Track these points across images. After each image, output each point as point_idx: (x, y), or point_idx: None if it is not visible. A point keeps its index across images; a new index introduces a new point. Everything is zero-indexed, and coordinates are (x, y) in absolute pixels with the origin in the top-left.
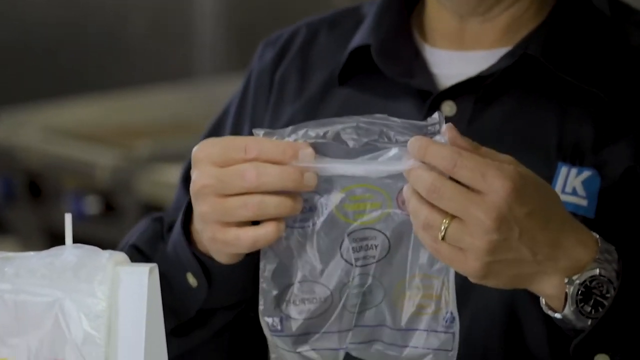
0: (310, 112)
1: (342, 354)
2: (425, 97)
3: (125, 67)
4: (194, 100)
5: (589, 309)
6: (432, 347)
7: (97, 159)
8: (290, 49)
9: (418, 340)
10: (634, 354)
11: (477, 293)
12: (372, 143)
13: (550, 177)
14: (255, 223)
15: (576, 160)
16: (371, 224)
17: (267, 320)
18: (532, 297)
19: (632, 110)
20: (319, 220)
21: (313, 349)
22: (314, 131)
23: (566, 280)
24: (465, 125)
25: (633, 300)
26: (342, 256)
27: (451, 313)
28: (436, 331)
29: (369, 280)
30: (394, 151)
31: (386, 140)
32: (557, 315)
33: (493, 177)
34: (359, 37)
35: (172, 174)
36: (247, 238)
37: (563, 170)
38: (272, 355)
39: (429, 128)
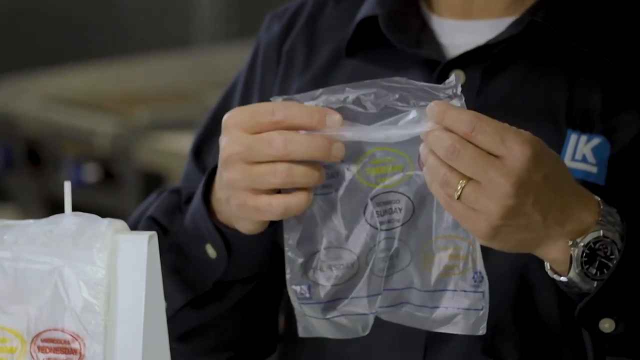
0: (318, 84)
1: (372, 318)
2: (433, 67)
3: (124, 35)
4: (193, 68)
5: (594, 270)
6: (462, 306)
7: (96, 126)
8: (298, 21)
9: (448, 301)
10: (638, 319)
11: (489, 262)
12: (391, 106)
13: (559, 145)
14: (278, 192)
15: (585, 127)
16: (394, 187)
17: (294, 289)
18: (543, 264)
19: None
20: (342, 186)
21: (342, 315)
22: (334, 96)
23: (570, 243)
24: (474, 94)
25: (638, 264)
26: (366, 221)
27: (479, 272)
28: (465, 291)
29: (395, 244)
30: (412, 114)
31: (405, 104)
32: (563, 279)
33: (512, 141)
34: (366, 8)
35: (171, 142)
36: (280, 205)
37: (573, 137)
38: (300, 325)
39: (447, 91)
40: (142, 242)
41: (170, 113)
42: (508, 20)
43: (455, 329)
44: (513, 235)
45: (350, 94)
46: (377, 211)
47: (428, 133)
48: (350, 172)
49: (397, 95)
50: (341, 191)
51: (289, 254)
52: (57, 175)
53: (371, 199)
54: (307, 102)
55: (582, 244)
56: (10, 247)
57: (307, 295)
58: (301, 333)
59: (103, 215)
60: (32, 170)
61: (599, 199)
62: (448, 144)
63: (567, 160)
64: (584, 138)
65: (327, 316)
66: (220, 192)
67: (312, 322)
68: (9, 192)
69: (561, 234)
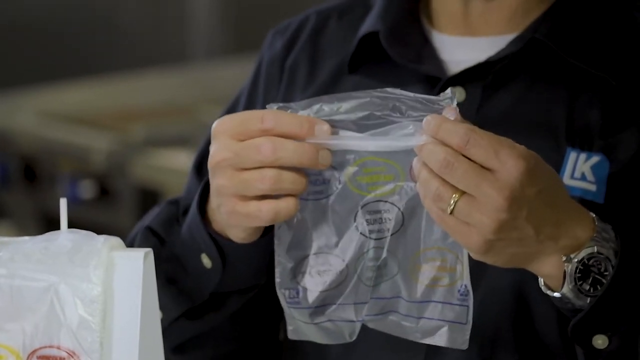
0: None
1: (358, 325)
2: (434, 84)
3: (120, 51)
4: (189, 83)
5: (587, 287)
6: (447, 319)
7: (92, 143)
8: (300, 36)
9: (433, 312)
10: (631, 336)
11: (488, 276)
12: (385, 117)
13: (559, 162)
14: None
15: (585, 145)
16: (385, 197)
17: (283, 292)
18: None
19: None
20: (333, 193)
21: (330, 320)
22: (328, 106)
23: (564, 259)
24: (474, 111)
25: (632, 281)
26: (356, 228)
27: (465, 286)
28: (451, 303)
29: (384, 254)
30: (406, 126)
31: (398, 114)
32: (556, 294)
33: (506, 155)
34: (368, 24)
35: (167, 158)
36: (269, 210)
37: (572, 155)
38: (290, 327)
39: (441, 103)
40: (138, 259)
41: (167, 129)
42: (509, 37)
43: (439, 340)
44: (506, 250)
45: (343, 103)
46: (367, 219)
47: (422, 146)
48: (341, 179)
49: (390, 105)
50: (332, 197)
51: (279, 258)
52: (53, 191)
53: (362, 207)
54: (300, 111)
55: (575, 260)
56: (6, 264)
57: (296, 299)
58: (290, 335)
59: (99, 231)
60: (27, 186)
61: (594, 216)
62: (442, 157)
63: (566, 178)
64: (583, 156)
65: (315, 321)
66: (213, 198)
67: (300, 326)
68: (5, 209)
69: (555, 249)
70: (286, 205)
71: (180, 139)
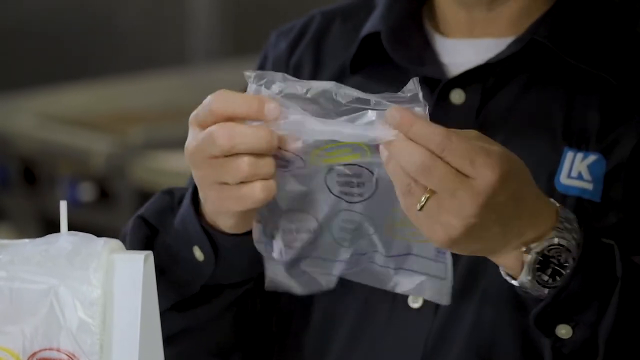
0: None
1: (335, 278)
2: (434, 86)
3: (119, 53)
4: (188, 86)
5: (546, 277)
6: (425, 271)
7: (91, 145)
8: (305, 37)
9: (411, 264)
10: (596, 326)
11: (486, 277)
12: (349, 104)
13: (556, 162)
14: None
15: (582, 144)
16: (355, 161)
17: (259, 246)
18: None
19: (639, 96)
20: (305, 164)
21: (305, 272)
22: (302, 86)
23: (524, 249)
24: (474, 112)
25: (595, 273)
26: (329, 190)
27: None
28: (428, 258)
29: (358, 217)
30: (370, 116)
31: (364, 104)
32: (515, 283)
33: (482, 165)
34: (370, 25)
35: (167, 161)
36: (262, 189)
37: (569, 154)
38: (267, 279)
39: (406, 94)
40: (138, 262)
41: (166, 132)
42: (509, 40)
43: (419, 291)
44: (470, 246)
45: (312, 88)
46: (338, 181)
47: (391, 143)
48: (306, 160)
49: (356, 96)
50: (305, 169)
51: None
52: (53, 194)
53: (334, 169)
54: (264, 90)
55: (534, 251)
56: (6, 266)
57: (272, 254)
58: (267, 287)
59: (99, 234)
60: (27, 189)
61: (559, 205)
62: (418, 161)
63: (564, 177)
64: (580, 155)
65: (291, 273)
66: (200, 191)
67: (277, 276)
68: (5, 211)
69: (518, 243)
70: (271, 184)
71: (179, 142)
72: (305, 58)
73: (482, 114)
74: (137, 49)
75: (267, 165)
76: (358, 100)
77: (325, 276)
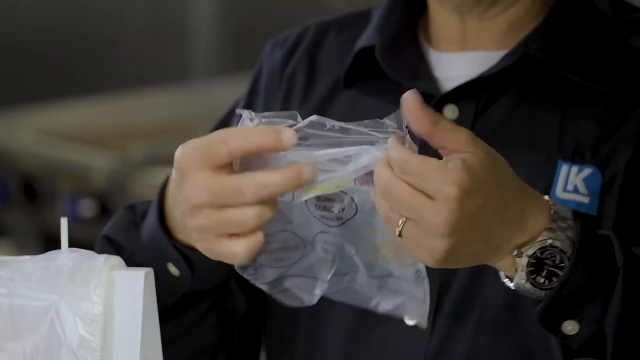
0: (319, 115)
1: (317, 294)
2: (427, 101)
3: (120, 69)
4: (189, 102)
5: (542, 279)
6: (405, 292)
7: (92, 161)
8: (299, 47)
9: (392, 284)
10: (602, 319)
11: (486, 282)
12: (346, 135)
13: (551, 176)
14: None
15: (576, 158)
16: (335, 189)
17: (242, 269)
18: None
19: (633, 108)
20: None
21: (288, 290)
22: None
23: (515, 253)
24: (468, 127)
25: (594, 268)
26: (310, 212)
27: (419, 270)
28: (408, 280)
29: (339, 239)
30: (364, 155)
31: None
32: (511, 285)
33: (439, 182)
34: (364, 38)
35: None
36: (245, 251)
37: (564, 168)
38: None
39: (388, 123)
40: (139, 279)
41: (167, 147)
42: (502, 52)
43: (400, 312)
44: (459, 262)
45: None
46: (316, 205)
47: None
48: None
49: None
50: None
51: None
52: (53, 210)
53: (310, 199)
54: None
55: (526, 254)
56: (6, 283)
57: (255, 275)
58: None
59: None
60: (28, 205)
61: (552, 203)
62: (384, 182)
63: (559, 191)
64: (575, 169)
65: (274, 292)
66: (184, 232)
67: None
68: (5, 227)
69: (509, 249)
70: (257, 239)
71: None
72: (299, 69)
73: (475, 129)
74: (138, 65)
75: (270, 213)
76: (341, 129)
77: (307, 294)
